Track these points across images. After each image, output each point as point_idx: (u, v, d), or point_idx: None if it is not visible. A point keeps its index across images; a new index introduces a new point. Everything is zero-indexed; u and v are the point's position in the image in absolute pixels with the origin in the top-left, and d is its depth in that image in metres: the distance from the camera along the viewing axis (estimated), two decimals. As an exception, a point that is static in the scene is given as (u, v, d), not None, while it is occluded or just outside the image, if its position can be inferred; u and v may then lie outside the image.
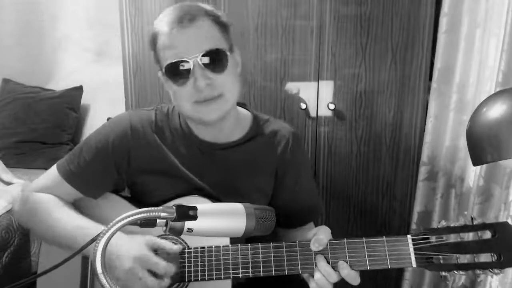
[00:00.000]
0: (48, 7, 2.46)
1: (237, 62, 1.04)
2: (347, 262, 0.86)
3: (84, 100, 2.43)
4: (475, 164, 0.88)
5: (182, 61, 0.93)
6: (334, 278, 0.86)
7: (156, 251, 0.92)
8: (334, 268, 0.86)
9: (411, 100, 1.72)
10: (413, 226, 1.76)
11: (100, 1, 2.37)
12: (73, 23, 2.44)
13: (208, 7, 0.99)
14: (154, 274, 0.89)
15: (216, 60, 0.94)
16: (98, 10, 2.39)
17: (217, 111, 0.97)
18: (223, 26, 0.99)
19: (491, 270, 0.81)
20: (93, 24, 2.41)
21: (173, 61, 0.93)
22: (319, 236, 0.87)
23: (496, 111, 0.82)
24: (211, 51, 0.93)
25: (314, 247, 0.87)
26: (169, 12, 0.97)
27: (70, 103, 2.37)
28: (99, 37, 2.41)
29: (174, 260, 0.95)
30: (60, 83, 2.45)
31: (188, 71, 0.93)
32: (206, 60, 0.93)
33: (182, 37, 0.93)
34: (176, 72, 0.94)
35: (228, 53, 0.97)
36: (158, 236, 1.00)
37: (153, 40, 0.98)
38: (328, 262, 0.87)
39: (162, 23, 0.95)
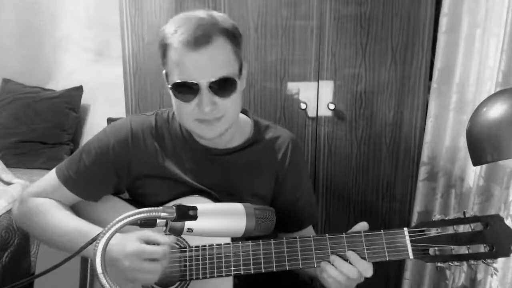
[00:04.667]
0: (48, 7, 2.46)
1: (244, 78, 1.04)
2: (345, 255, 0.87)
3: (84, 100, 2.43)
4: (475, 164, 0.88)
5: (191, 83, 0.92)
6: (349, 268, 0.86)
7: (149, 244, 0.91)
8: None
9: (411, 100, 1.72)
10: (413, 226, 1.76)
11: (100, 1, 2.37)
12: (73, 23, 2.44)
13: (225, 21, 0.96)
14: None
15: (225, 87, 0.94)
16: (98, 10, 2.38)
17: (218, 130, 0.98)
18: (236, 43, 0.98)
19: (484, 260, 0.84)
20: (93, 24, 2.41)
21: (182, 81, 0.93)
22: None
23: (496, 111, 0.83)
24: (221, 79, 0.93)
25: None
26: (183, 26, 0.93)
27: (70, 103, 2.37)
28: (99, 37, 2.40)
29: (173, 260, 0.95)
30: (60, 83, 2.45)
31: (195, 91, 0.93)
32: (215, 86, 0.93)
33: (194, 60, 0.92)
34: (183, 90, 0.94)
35: (237, 80, 0.96)
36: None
37: (164, 49, 0.96)
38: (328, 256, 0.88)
39: (175, 38, 0.92)
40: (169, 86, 0.96)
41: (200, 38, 0.91)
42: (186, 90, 0.94)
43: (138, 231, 0.91)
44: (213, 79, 0.92)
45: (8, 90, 2.42)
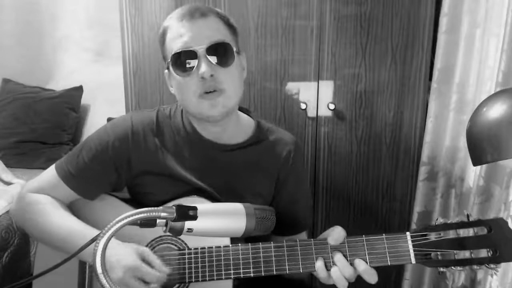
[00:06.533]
0: (48, 7, 2.46)
1: (243, 66, 1.06)
2: (347, 259, 0.86)
3: (84, 100, 2.43)
4: (475, 164, 0.88)
5: (189, 50, 0.95)
6: (350, 272, 0.85)
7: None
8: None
9: (411, 100, 1.72)
10: (413, 226, 1.76)
11: (100, 1, 2.37)
12: (73, 23, 2.44)
13: (219, 10, 1.02)
14: (144, 281, 0.89)
15: (222, 53, 0.96)
16: (98, 10, 2.39)
17: (220, 106, 0.98)
18: (232, 28, 1.02)
19: (487, 265, 0.82)
20: (93, 24, 2.41)
21: (180, 50, 0.95)
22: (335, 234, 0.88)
23: (496, 111, 0.82)
24: (218, 43, 0.96)
25: (332, 241, 0.87)
26: (180, 8, 1.00)
27: (70, 103, 2.37)
28: (99, 37, 2.41)
29: (172, 261, 0.95)
30: (60, 83, 2.45)
31: (194, 60, 0.95)
32: (212, 51, 0.95)
33: (191, 28, 0.96)
34: (182, 61, 0.96)
35: (234, 49, 0.99)
36: (158, 238, 1.00)
37: (163, 34, 1.01)
38: (329, 260, 0.87)
39: (173, 18, 0.99)
40: (169, 63, 0.99)
41: (195, 11, 0.97)
42: (185, 61, 0.96)
43: (141, 246, 0.93)
44: (210, 44, 0.95)
45: (8, 90, 2.42)
